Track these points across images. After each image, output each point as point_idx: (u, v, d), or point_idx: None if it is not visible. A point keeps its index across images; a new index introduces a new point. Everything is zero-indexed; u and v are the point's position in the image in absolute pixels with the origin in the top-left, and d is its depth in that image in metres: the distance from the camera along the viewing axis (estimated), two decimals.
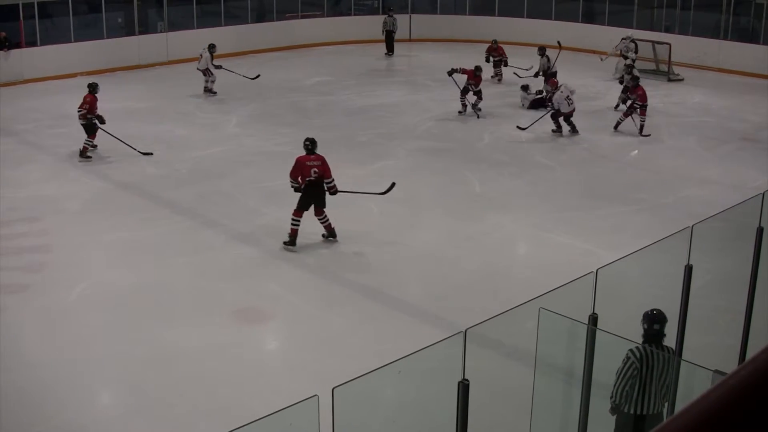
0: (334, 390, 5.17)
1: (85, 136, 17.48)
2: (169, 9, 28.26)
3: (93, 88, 17.78)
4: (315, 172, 12.87)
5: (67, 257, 12.87)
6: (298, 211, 13.04)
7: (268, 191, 15.61)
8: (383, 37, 30.91)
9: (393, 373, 5.87)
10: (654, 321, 7.40)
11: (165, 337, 10.51)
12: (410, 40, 32.95)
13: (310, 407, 5.15)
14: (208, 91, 23.51)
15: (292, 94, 24.02)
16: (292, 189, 13.09)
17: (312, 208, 13.14)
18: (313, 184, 12.91)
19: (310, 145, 13.12)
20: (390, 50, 30.78)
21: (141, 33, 27.62)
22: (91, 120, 17.41)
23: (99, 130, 17.53)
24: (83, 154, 17.50)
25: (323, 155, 13.11)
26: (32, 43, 25.28)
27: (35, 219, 14.22)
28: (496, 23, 32.78)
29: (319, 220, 13.19)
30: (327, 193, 13.06)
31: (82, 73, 25.37)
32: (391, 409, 7.37)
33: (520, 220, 14.54)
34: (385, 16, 31.15)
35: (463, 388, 5.86)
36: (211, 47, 23.59)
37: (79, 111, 17.46)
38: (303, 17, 31.93)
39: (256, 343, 10.84)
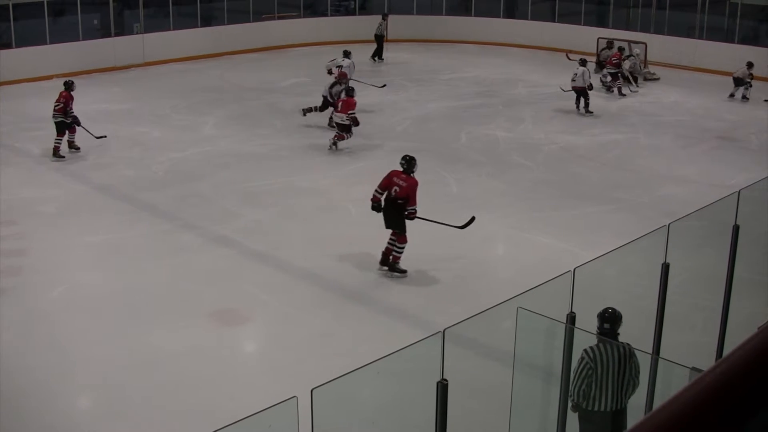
0: (313, 391, 5.17)
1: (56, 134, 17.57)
2: (145, 11, 28.14)
3: (68, 85, 17.64)
4: (395, 191, 12.22)
5: (44, 260, 12.79)
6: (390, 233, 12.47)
7: (246, 193, 15.59)
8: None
9: (372, 374, 5.88)
10: (604, 320, 7.42)
11: (144, 340, 10.46)
12: (387, 40, 32.94)
13: (289, 408, 5.15)
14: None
15: (269, 95, 23.98)
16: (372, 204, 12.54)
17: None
18: (389, 201, 12.30)
19: (405, 163, 12.38)
20: (375, 56, 29.75)
21: (117, 35, 27.49)
22: (69, 114, 17.33)
23: (70, 128, 17.57)
24: (55, 153, 17.52)
25: (414, 180, 12.30)
26: (7, 45, 25.10)
27: (12, 222, 14.12)
28: (473, 23, 32.89)
29: (388, 241, 12.55)
30: (405, 218, 12.32)
31: (57, 75, 25.26)
32: (370, 409, 7.38)
33: (497, 220, 14.56)
34: (380, 18, 30.60)
35: (442, 387, 5.87)
36: (349, 54, 22.65)
37: (56, 106, 17.39)
38: (279, 18, 31.88)
39: (234, 344, 10.81)
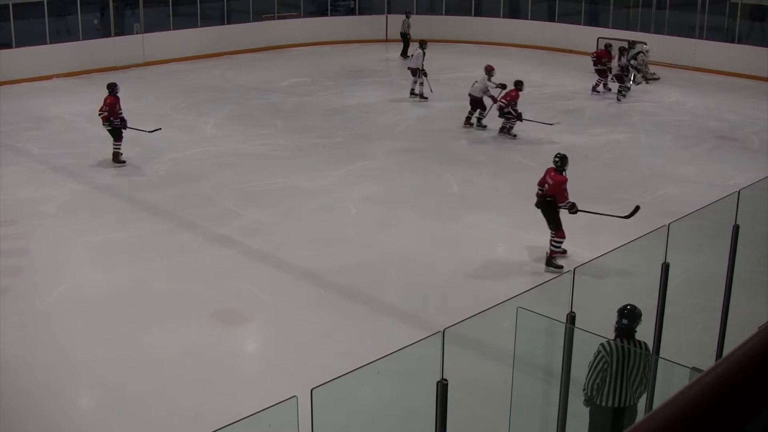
0: (313, 391, 5.16)
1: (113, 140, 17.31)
2: (145, 10, 28.12)
3: (112, 88, 17.18)
4: (545, 188, 12.56)
5: (44, 260, 12.79)
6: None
7: (246, 192, 15.59)
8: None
9: (372, 374, 5.87)
10: (622, 316, 7.47)
11: (144, 340, 10.46)
12: (387, 40, 32.97)
13: (289, 408, 5.15)
14: (416, 94, 23.34)
15: (270, 95, 23.98)
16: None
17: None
18: (540, 198, 12.68)
19: (559, 160, 12.64)
20: (402, 53, 30.15)
21: (117, 34, 27.47)
22: (113, 123, 16.99)
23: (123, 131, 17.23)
24: (116, 158, 17.24)
25: (561, 178, 12.54)
26: (7, 45, 25.10)
27: (12, 222, 14.12)
28: (473, 23, 32.88)
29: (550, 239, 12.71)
30: (557, 213, 12.54)
31: (58, 75, 25.29)
32: (370, 409, 7.38)
33: (498, 220, 14.56)
34: (404, 17, 30.95)
35: (442, 387, 5.86)
36: (423, 44, 23.15)
37: (99, 113, 17.07)
38: (280, 18, 31.87)
39: (234, 344, 10.81)
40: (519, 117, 19.15)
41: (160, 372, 9.80)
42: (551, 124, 19.99)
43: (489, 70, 20.14)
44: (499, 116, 19.36)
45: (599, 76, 24.63)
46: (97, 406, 9.50)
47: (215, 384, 9.58)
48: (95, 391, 9.70)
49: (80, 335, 10.67)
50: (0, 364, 9.86)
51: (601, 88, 24.47)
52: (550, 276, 12.19)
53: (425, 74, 22.97)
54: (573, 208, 12.54)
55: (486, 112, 20.11)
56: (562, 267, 12.52)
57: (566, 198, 12.46)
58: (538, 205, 12.76)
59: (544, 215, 12.66)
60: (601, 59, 24.75)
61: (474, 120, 20.30)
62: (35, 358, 10.08)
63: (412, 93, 23.39)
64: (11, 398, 9.27)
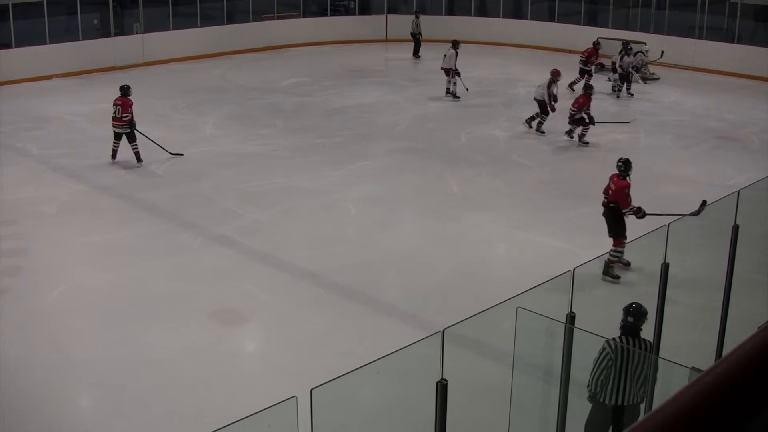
0: (313, 391, 5.16)
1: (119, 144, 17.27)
2: (144, 10, 28.11)
3: (126, 90, 17.21)
4: (609, 194, 12.28)
5: (44, 260, 12.78)
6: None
7: (246, 192, 15.59)
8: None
9: (372, 374, 5.87)
10: (628, 314, 7.51)
11: (143, 340, 10.46)
12: (386, 40, 32.98)
13: (289, 408, 5.15)
14: (450, 93, 23.55)
15: (269, 95, 23.98)
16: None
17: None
18: (605, 206, 12.31)
19: (622, 165, 12.35)
20: (414, 53, 30.32)
21: (117, 35, 27.47)
22: (132, 125, 16.98)
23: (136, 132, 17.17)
24: (138, 158, 17.18)
25: (623, 183, 12.22)
26: (7, 45, 25.09)
27: (12, 222, 14.12)
28: (473, 23, 32.88)
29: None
30: (620, 220, 12.14)
31: (58, 75, 25.28)
32: (370, 409, 7.38)
33: (497, 220, 14.55)
34: (413, 17, 31.07)
35: (442, 387, 5.86)
36: (455, 44, 23.52)
37: (124, 116, 16.95)
38: (280, 18, 31.87)
39: (234, 344, 10.81)
40: (592, 121, 18.99)
41: (160, 372, 9.80)
42: (628, 122, 20.37)
43: (555, 75, 20.06)
44: (569, 123, 19.21)
45: (579, 74, 24.71)
46: (97, 406, 9.50)
47: (215, 384, 9.57)
48: (95, 391, 9.70)
49: (80, 335, 10.67)
50: (0, 364, 9.87)
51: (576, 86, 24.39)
52: (549, 276, 12.18)
53: (458, 74, 23.26)
54: (639, 213, 12.14)
55: (537, 117, 20.08)
56: (619, 277, 12.05)
57: (629, 204, 12.06)
58: (604, 213, 12.36)
59: (606, 222, 12.28)
60: (590, 58, 24.79)
61: (534, 124, 20.19)
62: (35, 358, 10.08)
63: (447, 92, 23.59)
64: (11, 398, 9.26)
